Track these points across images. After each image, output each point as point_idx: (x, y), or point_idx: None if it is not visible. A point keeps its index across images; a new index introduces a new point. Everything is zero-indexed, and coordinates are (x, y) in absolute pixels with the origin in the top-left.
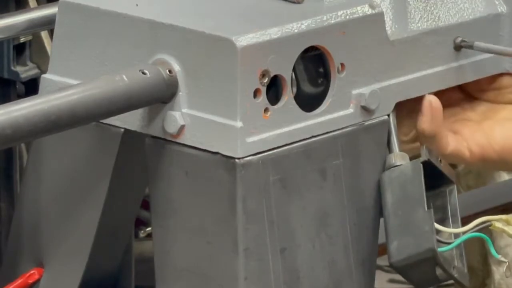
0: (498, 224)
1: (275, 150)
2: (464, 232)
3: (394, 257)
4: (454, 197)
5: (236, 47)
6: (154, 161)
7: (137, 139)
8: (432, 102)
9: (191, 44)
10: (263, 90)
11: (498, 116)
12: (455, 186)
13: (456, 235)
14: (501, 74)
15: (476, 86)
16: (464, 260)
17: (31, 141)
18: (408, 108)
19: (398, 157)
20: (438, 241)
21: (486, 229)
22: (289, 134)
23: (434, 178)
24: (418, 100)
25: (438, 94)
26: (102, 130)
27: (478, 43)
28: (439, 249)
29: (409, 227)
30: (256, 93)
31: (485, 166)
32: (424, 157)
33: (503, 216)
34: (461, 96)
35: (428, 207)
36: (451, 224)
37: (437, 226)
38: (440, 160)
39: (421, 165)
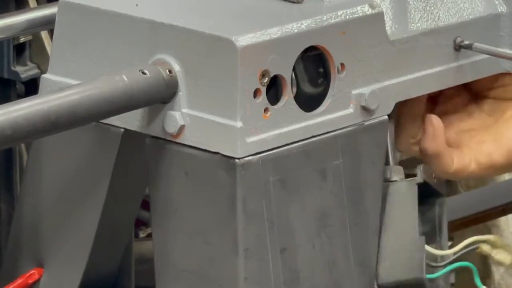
0: (486, 247)
1: (275, 150)
2: (451, 259)
3: (383, 279)
4: (443, 211)
5: (236, 47)
6: (154, 161)
7: (137, 139)
8: (433, 122)
9: (191, 44)
10: (263, 90)
11: (506, 115)
12: (445, 199)
13: (444, 257)
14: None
15: (482, 84)
16: (447, 279)
17: (31, 141)
18: (414, 111)
19: (395, 172)
20: (426, 264)
21: (462, 241)
22: (289, 134)
23: (426, 191)
24: (421, 101)
25: (444, 97)
26: (102, 130)
27: (477, 44)
28: (427, 276)
29: (400, 250)
30: (256, 93)
31: (493, 173)
32: (419, 178)
33: (491, 237)
34: (468, 96)
35: (420, 230)
36: (437, 238)
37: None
38: (434, 177)
39: (416, 186)
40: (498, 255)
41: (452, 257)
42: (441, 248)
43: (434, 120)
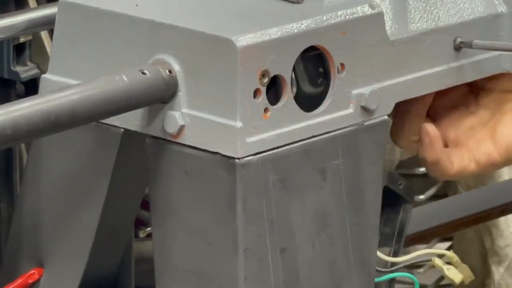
0: (438, 262)
1: (275, 150)
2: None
3: None
4: (406, 217)
5: (236, 47)
6: (154, 161)
7: (137, 139)
8: (429, 132)
9: (191, 44)
10: (263, 90)
11: (503, 109)
12: (411, 206)
13: (394, 264)
14: None
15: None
16: (392, 286)
17: (31, 141)
18: (416, 109)
19: None
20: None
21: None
22: (289, 134)
23: (393, 196)
24: (423, 100)
25: (444, 91)
26: (102, 130)
27: (477, 41)
28: None
29: None
30: (256, 93)
31: (494, 170)
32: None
33: (448, 253)
34: (466, 89)
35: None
36: (393, 243)
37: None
38: (400, 184)
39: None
40: (449, 271)
41: (393, 273)
42: (395, 253)
43: (430, 129)
